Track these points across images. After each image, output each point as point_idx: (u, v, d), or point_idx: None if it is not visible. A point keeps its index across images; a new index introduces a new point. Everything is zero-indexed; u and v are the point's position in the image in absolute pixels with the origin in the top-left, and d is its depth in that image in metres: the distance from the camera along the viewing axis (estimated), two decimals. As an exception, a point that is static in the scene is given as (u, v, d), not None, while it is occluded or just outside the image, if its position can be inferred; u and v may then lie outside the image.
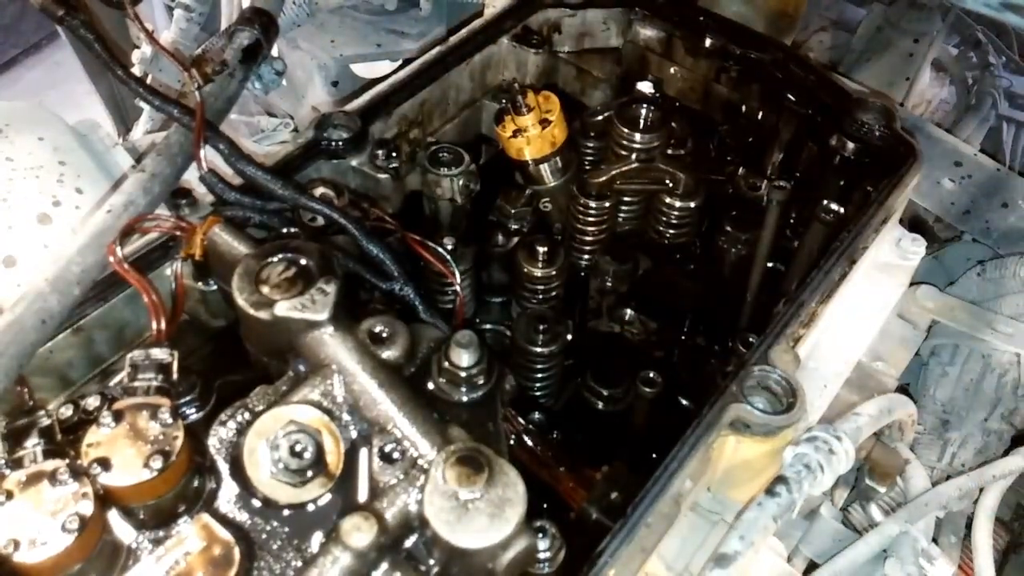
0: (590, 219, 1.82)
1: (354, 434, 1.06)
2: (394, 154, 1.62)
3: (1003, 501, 1.66)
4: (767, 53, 1.87)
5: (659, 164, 1.79)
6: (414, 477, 0.99)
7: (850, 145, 1.71)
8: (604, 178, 1.79)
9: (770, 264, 1.80)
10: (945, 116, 3.13)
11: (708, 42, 1.93)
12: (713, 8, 2.13)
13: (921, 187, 1.77)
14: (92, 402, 1.03)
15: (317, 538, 0.99)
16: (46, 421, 1.02)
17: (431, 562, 0.98)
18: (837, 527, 1.53)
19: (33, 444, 0.98)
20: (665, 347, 1.81)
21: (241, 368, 1.24)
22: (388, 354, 1.12)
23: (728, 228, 1.83)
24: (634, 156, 1.78)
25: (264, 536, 0.98)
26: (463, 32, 1.94)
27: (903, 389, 1.91)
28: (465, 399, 1.15)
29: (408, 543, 0.99)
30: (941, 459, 1.91)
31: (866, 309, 1.63)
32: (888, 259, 1.70)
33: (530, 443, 1.41)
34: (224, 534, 0.94)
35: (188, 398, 1.13)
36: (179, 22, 2.66)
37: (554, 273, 1.73)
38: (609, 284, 1.78)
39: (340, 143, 1.60)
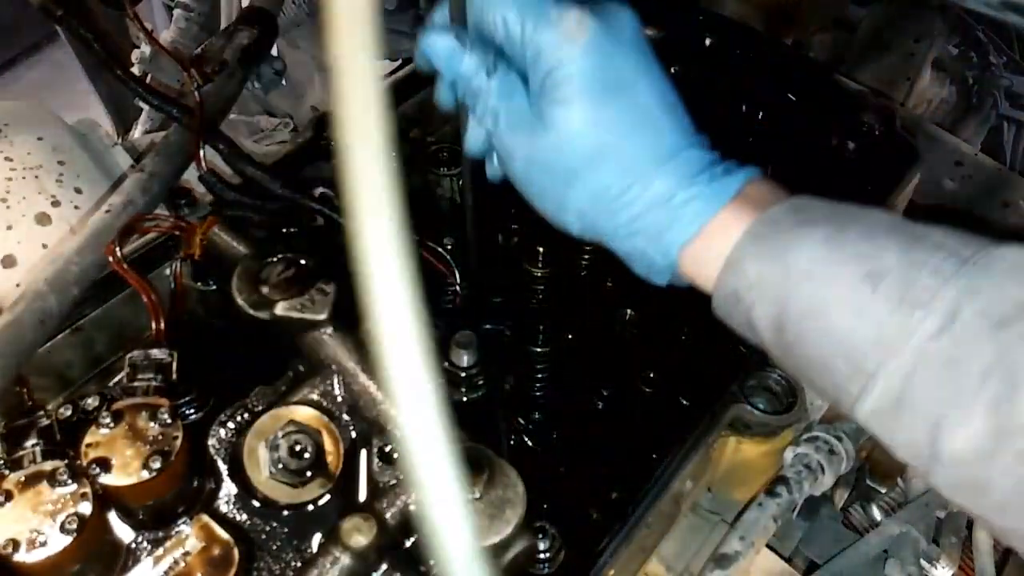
0: (590, 219, 1.81)
1: (354, 434, 1.05)
2: (393, 154, 1.62)
3: (1004, 501, 1.66)
4: (767, 52, 1.87)
5: (659, 164, 1.79)
6: (414, 477, 0.99)
7: (850, 145, 1.71)
8: (604, 178, 1.79)
9: (770, 264, 1.80)
10: (945, 116, 3.12)
11: (707, 41, 1.92)
12: (713, 7, 2.12)
13: (921, 187, 1.76)
14: (91, 402, 1.03)
15: (317, 539, 0.99)
16: (45, 421, 1.02)
17: (431, 563, 0.98)
18: (837, 527, 1.53)
19: (32, 444, 0.97)
20: (665, 347, 1.80)
21: (241, 368, 1.24)
22: (388, 354, 1.12)
23: (728, 228, 1.82)
24: (634, 156, 1.78)
25: (263, 536, 0.98)
26: (463, 32, 1.93)
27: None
28: (465, 399, 1.15)
29: (408, 543, 0.99)
30: (942, 459, 1.90)
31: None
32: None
33: (530, 443, 1.41)
34: (223, 534, 0.94)
35: (187, 398, 1.12)
36: (178, 22, 2.65)
37: (554, 273, 1.72)
38: (609, 284, 1.77)
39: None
